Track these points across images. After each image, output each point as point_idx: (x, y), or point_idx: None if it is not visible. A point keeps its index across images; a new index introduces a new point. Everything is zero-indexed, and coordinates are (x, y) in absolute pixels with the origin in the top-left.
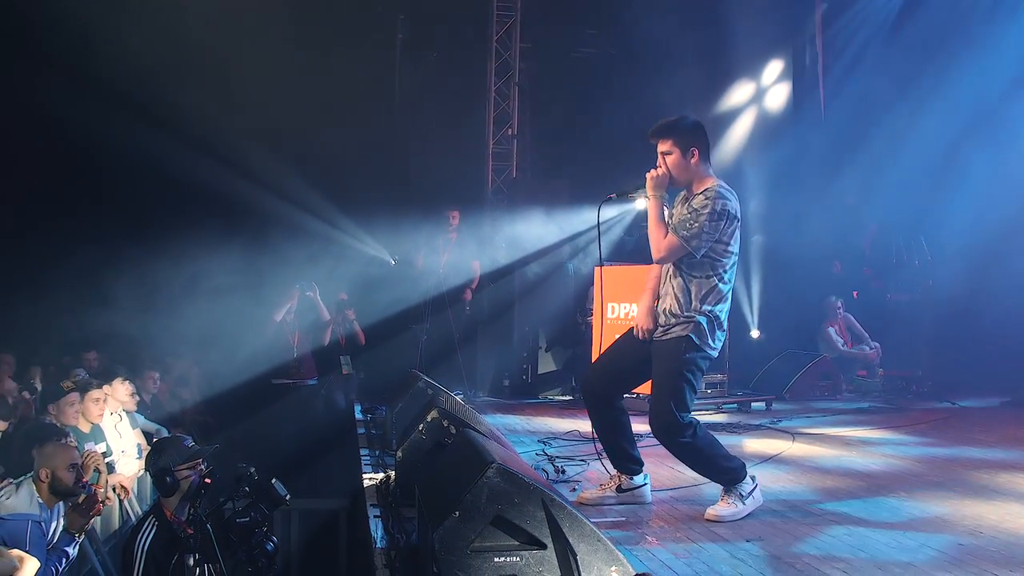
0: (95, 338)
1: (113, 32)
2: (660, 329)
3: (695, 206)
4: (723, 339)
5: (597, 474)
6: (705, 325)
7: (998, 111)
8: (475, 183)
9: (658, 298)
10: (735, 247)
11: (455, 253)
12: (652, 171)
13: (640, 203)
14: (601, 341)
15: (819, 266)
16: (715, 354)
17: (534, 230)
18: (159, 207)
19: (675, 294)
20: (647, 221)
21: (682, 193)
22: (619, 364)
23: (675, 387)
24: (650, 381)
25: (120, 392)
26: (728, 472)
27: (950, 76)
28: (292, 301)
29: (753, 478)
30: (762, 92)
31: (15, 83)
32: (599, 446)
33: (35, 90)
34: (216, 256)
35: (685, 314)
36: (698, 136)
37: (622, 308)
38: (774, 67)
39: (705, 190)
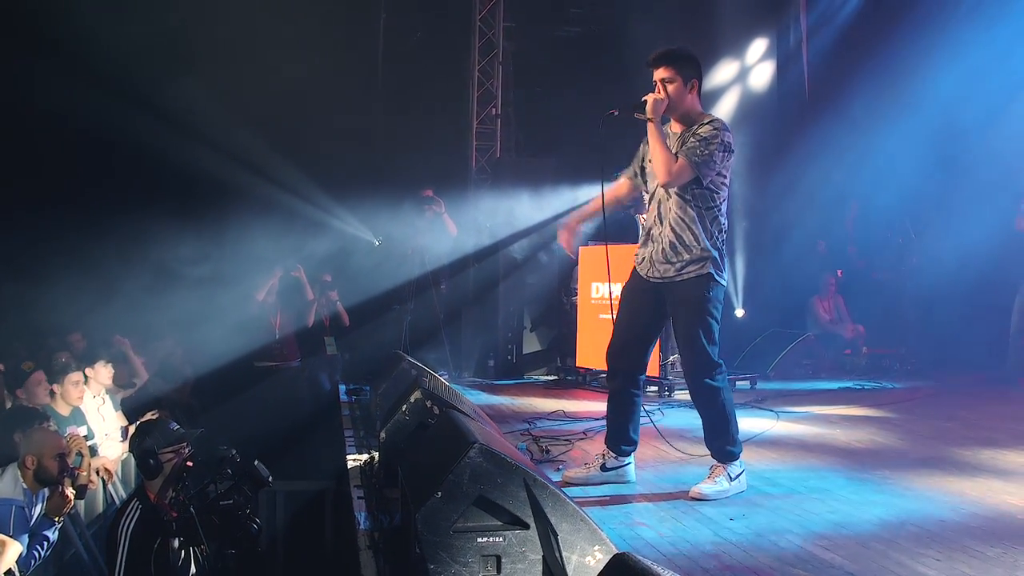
0: (77, 322)
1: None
2: (672, 268)
3: (702, 134)
4: (725, 272)
5: (582, 454)
6: (718, 258)
7: (982, 88)
8: (459, 162)
9: (647, 241)
10: (729, 180)
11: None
12: (652, 94)
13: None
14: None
15: (803, 245)
16: (723, 281)
17: (518, 210)
18: (136, 188)
19: (685, 225)
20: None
21: (665, 126)
22: (635, 334)
23: (705, 324)
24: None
25: (103, 375)
26: (730, 442)
27: (935, 54)
28: (274, 280)
29: (743, 462)
30: (746, 71)
31: None
32: (583, 427)
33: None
34: (196, 237)
35: (698, 251)
36: (697, 69)
37: (606, 288)
38: (758, 46)
39: (712, 120)
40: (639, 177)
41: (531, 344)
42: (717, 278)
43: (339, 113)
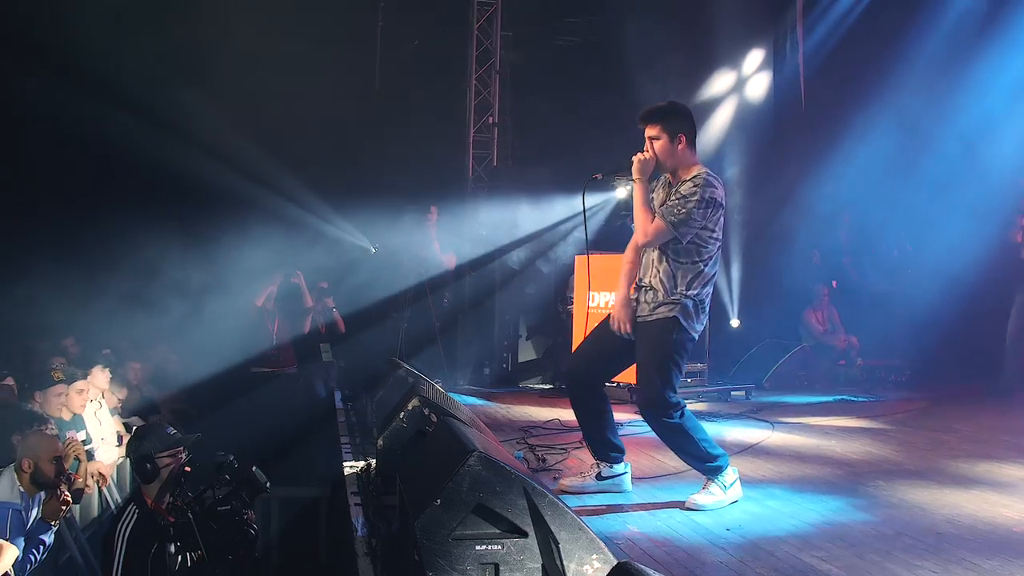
0: (72, 327)
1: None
2: (647, 308)
3: (683, 192)
4: (705, 322)
5: (578, 462)
6: (691, 307)
7: (978, 101)
8: (455, 171)
9: (638, 287)
10: (719, 233)
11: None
12: (638, 155)
13: (620, 192)
14: (585, 328)
15: (798, 255)
16: (696, 336)
17: (514, 219)
18: (133, 195)
19: (660, 279)
20: (631, 206)
21: (663, 177)
22: (602, 350)
23: (662, 366)
24: (634, 366)
25: (100, 380)
26: (711, 460)
27: (930, 66)
28: (273, 287)
29: (735, 470)
30: (743, 81)
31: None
32: (579, 436)
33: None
34: (195, 244)
35: (672, 298)
36: (686, 122)
37: (603, 296)
38: (755, 56)
39: (694, 177)
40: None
41: (526, 352)
42: (684, 323)
43: (336, 121)
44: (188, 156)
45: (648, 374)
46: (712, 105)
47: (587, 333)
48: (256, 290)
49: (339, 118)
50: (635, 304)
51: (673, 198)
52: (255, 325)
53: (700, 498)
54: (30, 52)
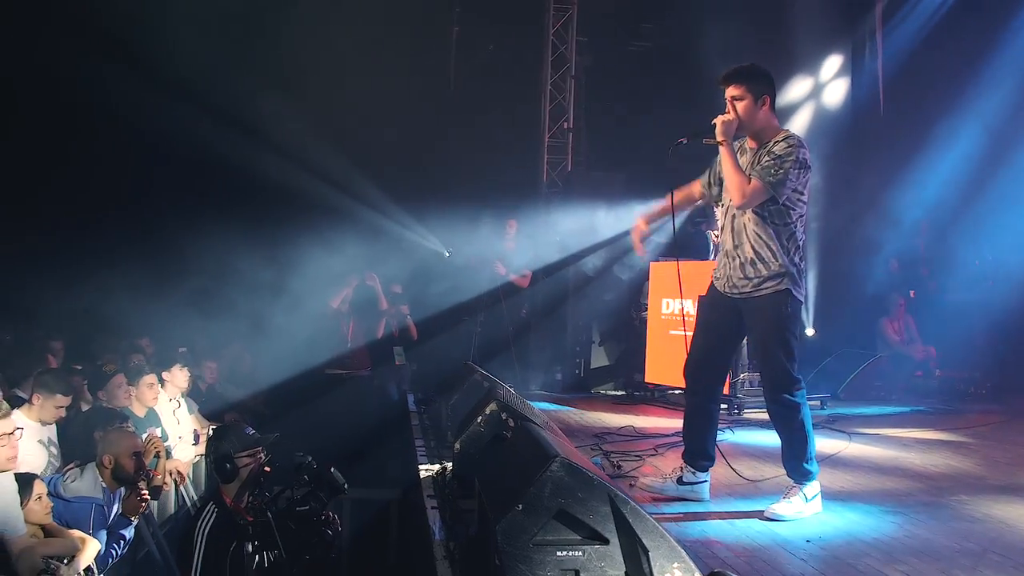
0: (149, 327)
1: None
2: (750, 284)
3: (777, 152)
4: (803, 287)
5: (653, 470)
6: (796, 275)
7: None
8: (530, 177)
9: (726, 256)
10: (807, 197)
11: (511, 259)
12: (721, 116)
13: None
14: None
15: (876, 264)
16: (803, 290)
17: (589, 224)
18: (212, 197)
19: (763, 241)
20: (707, 212)
21: (739, 143)
22: (713, 342)
23: (784, 340)
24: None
25: (179, 379)
26: (807, 461)
27: (1011, 74)
28: (348, 289)
29: (818, 484)
30: (820, 87)
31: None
32: (656, 443)
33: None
34: (271, 246)
35: (776, 267)
36: (769, 84)
37: (677, 304)
38: (833, 62)
39: (787, 137)
40: (711, 188)
41: (599, 358)
42: (795, 294)
43: (411, 126)
44: (266, 159)
45: (771, 351)
46: (789, 111)
47: (667, 340)
48: (332, 293)
49: (414, 123)
50: (720, 276)
51: (767, 158)
52: (330, 327)
53: (780, 508)
54: (112, 52)
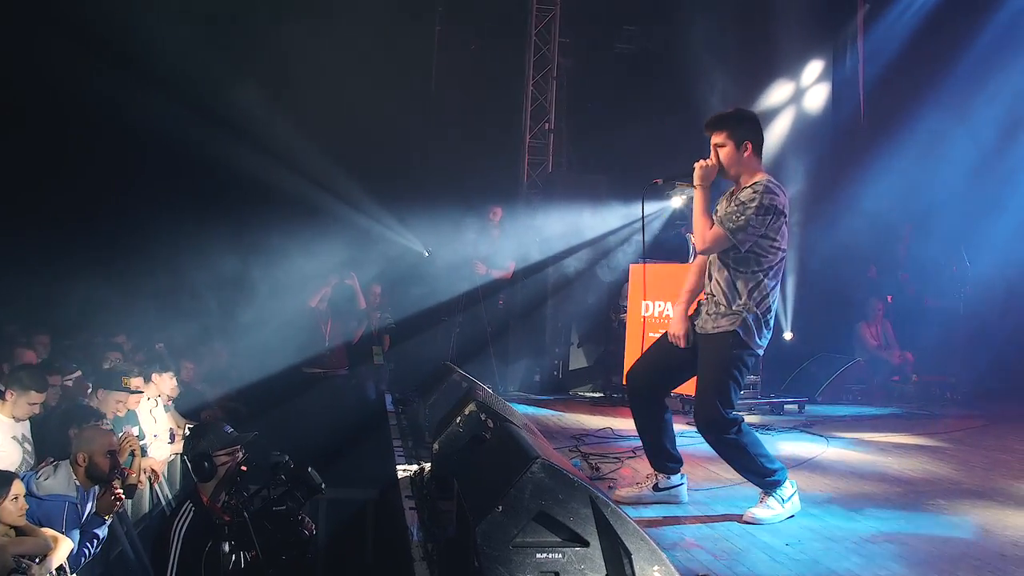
0: (126, 324)
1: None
2: (710, 321)
3: (742, 199)
4: (768, 338)
5: (632, 472)
6: (752, 322)
7: None
8: (510, 177)
9: (698, 299)
10: (782, 243)
11: (493, 250)
12: (702, 161)
13: (676, 201)
14: (642, 338)
15: (854, 269)
16: (760, 352)
17: (569, 226)
18: (191, 195)
19: (722, 289)
20: (688, 214)
21: (729, 190)
22: (664, 359)
23: (720, 382)
24: (693, 378)
25: (166, 385)
26: (769, 474)
27: (993, 80)
28: (327, 288)
29: (793, 483)
30: (801, 92)
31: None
32: (634, 445)
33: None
34: (250, 244)
35: (733, 310)
36: (752, 130)
37: (657, 306)
38: (814, 67)
39: (754, 184)
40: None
41: (578, 360)
42: (744, 338)
43: (391, 125)
44: (248, 158)
45: (705, 389)
46: (770, 116)
47: (646, 341)
48: (310, 292)
49: (395, 122)
50: (698, 316)
51: (732, 205)
52: (308, 326)
53: (758, 512)
54: (93, 49)
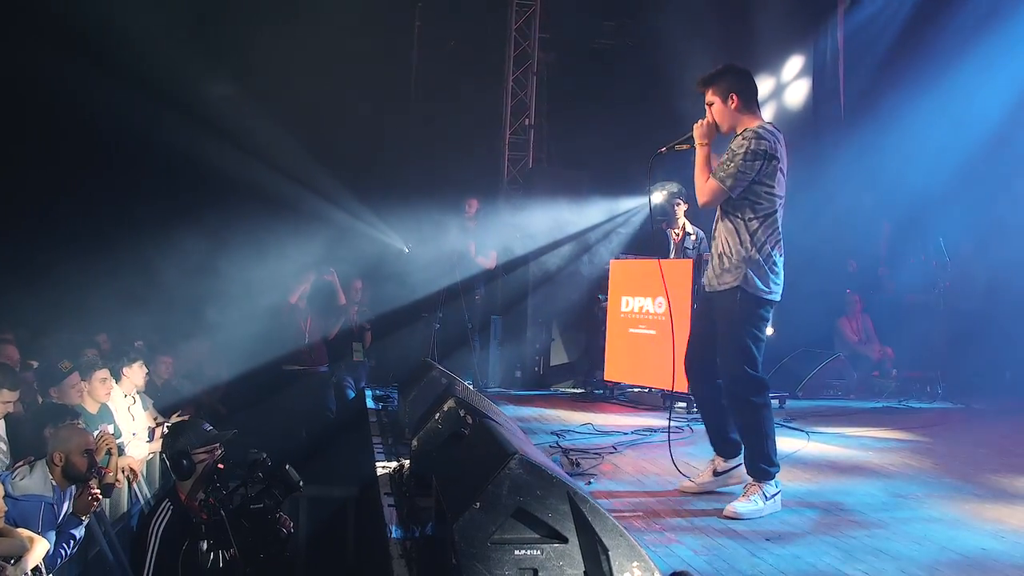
0: (106, 323)
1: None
2: (716, 280)
3: (732, 147)
4: (780, 285)
5: (612, 467)
6: (753, 273)
7: (1020, 110)
8: (491, 172)
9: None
10: (778, 190)
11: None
12: (699, 120)
13: (657, 196)
14: (623, 336)
15: (835, 264)
16: (775, 298)
17: (550, 221)
18: (168, 191)
19: (724, 237)
20: (667, 211)
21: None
22: (704, 341)
23: (737, 338)
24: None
25: (136, 375)
26: (768, 460)
27: (972, 76)
28: (306, 284)
29: (779, 483)
30: (781, 88)
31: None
32: (616, 441)
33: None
34: (230, 241)
35: (735, 262)
36: (737, 81)
37: (637, 301)
38: (794, 63)
39: (744, 131)
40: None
41: (559, 356)
42: (750, 291)
43: (372, 120)
44: (228, 154)
45: (725, 348)
46: None
47: (625, 337)
48: (291, 288)
49: (375, 118)
50: (708, 273)
51: (724, 155)
52: (288, 323)
53: (740, 505)
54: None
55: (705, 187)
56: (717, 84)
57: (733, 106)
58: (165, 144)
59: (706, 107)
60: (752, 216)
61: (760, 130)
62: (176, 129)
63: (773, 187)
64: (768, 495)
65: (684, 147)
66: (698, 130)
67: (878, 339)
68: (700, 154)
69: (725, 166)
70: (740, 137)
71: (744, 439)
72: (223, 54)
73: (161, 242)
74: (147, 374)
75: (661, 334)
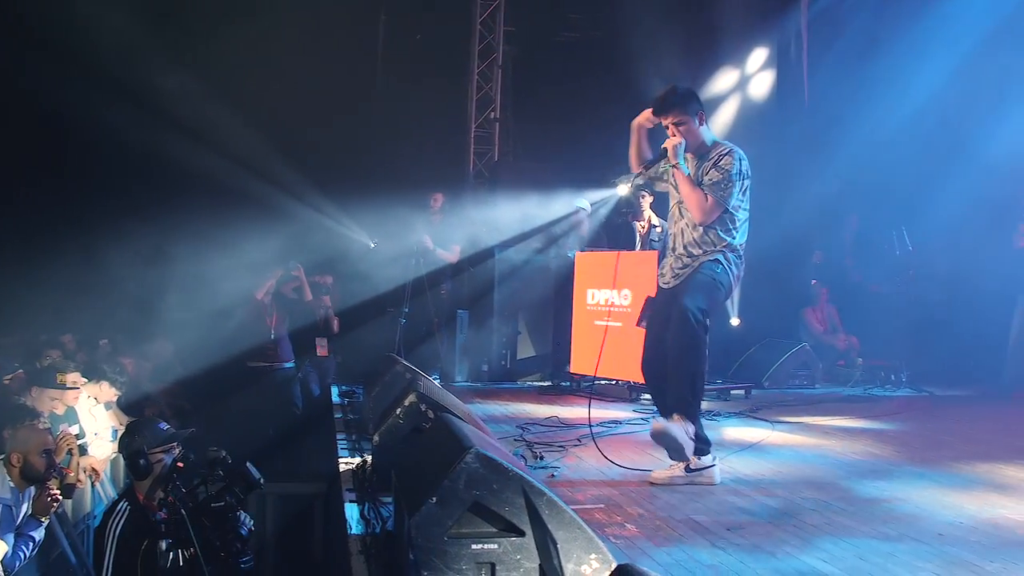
0: (70, 322)
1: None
2: (687, 268)
3: (724, 166)
4: (742, 270)
5: (576, 460)
6: (723, 258)
7: (982, 103)
8: (456, 166)
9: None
10: (747, 204)
11: (437, 235)
12: (670, 140)
13: (622, 189)
14: (589, 328)
15: (800, 255)
16: (737, 270)
17: (515, 214)
18: (129, 186)
19: (693, 238)
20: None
21: (681, 151)
22: (659, 337)
23: (695, 286)
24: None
25: (107, 394)
26: (695, 404)
27: (937, 67)
28: (272, 280)
29: (714, 457)
30: (746, 80)
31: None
32: (579, 433)
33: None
34: (194, 237)
35: (708, 251)
36: (698, 101)
37: (603, 294)
38: (758, 55)
39: (730, 151)
40: (644, 176)
41: (525, 349)
42: (722, 261)
43: (338, 114)
44: (189, 149)
45: (680, 295)
46: (715, 103)
47: (591, 330)
48: (256, 284)
49: (340, 112)
50: (663, 272)
51: (716, 173)
52: (254, 319)
53: (671, 425)
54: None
55: (706, 206)
56: (686, 106)
57: (701, 124)
58: (125, 139)
59: (671, 127)
60: (730, 227)
61: (738, 150)
62: (136, 123)
63: (745, 201)
64: (703, 467)
65: (664, 165)
66: (673, 150)
67: (843, 329)
68: (683, 175)
69: (722, 184)
70: (728, 157)
71: (673, 378)
72: (182, 46)
73: (123, 241)
74: (115, 393)
75: (627, 326)
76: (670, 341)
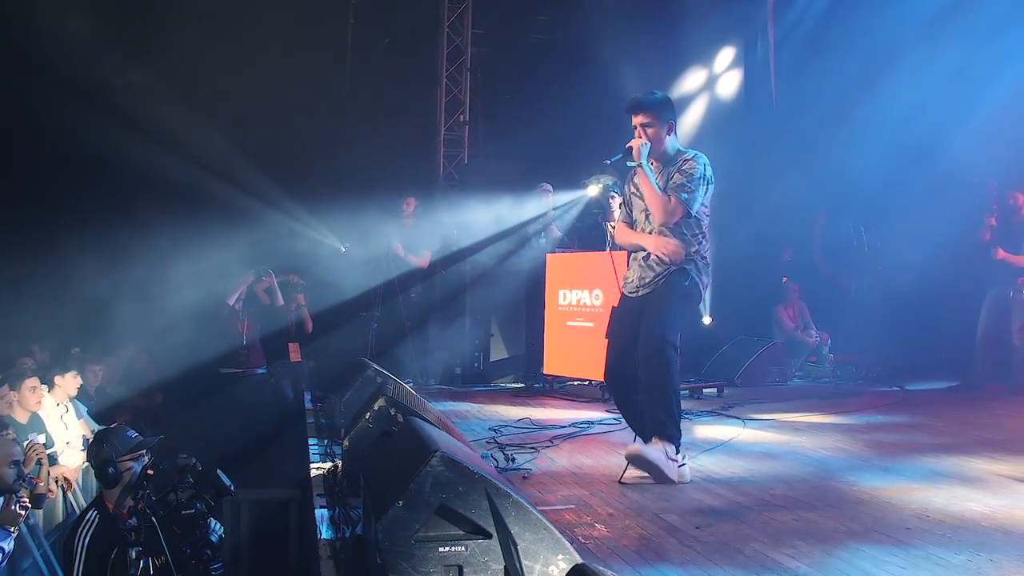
0: (39, 330)
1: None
2: (655, 279)
3: (688, 171)
4: (709, 280)
5: (548, 462)
6: (692, 268)
7: (947, 99)
8: (426, 169)
9: (640, 263)
10: (709, 209)
11: (408, 240)
12: (637, 141)
13: (592, 190)
14: (561, 330)
15: (770, 253)
16: (706, 278)
17: (486, 216)
18: (98, 193)
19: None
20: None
21: (646, 158)
22: (626, 345)
23: (665, 307)
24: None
25: (70, 385)
26: (675, 423)
27: (902, 64)
28: (244, 286)
29: (684, 456)
30: (714, 79)
31: None
32: (552, 435)
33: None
34: (165, 243)
35: (675, 261)
36: (673, 111)
37: (574, 294)
38: (726, 54)
39: (695, 156)
40: (629, 215)
41: (498, 351)
42: (694, 275)
43: (306, 118)
44: (158, 155)
45: (651, 314)
46: (684, 103)
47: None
48: (227, 289)
49: (309, 116)
50: (629, 281)
51: (680, 177)
52: (225, 325)
53: (648, 449)
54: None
55: (668, 207)
56: (659, 111)
57: (669, 134)
58: (94, 146)
59: (639, 128)
60: (697, 232)
61: (703, 156)
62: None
63: (708, 207)
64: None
65: (630, 163)
66: (639, 150)
67: (815, 325)
68: (645, 176)
69: (687, 188)
70: (692, 162)
71: (648, 399)
72: (144, 45)
73: (93, 247)
74: (80, 385)
75: (599, 326)
76: (641, 364)
